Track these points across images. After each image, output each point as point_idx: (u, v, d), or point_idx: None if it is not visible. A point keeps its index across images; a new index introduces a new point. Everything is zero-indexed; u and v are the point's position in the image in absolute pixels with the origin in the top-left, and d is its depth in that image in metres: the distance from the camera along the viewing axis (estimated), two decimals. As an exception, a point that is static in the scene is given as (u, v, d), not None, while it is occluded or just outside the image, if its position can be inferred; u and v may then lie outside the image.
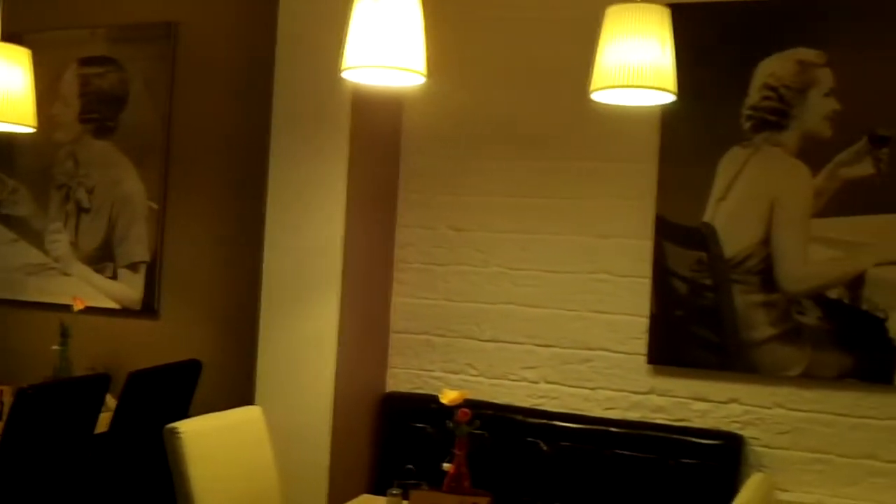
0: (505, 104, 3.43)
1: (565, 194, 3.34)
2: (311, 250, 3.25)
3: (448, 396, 2.49)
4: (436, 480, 2.55)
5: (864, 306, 2.97)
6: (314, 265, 3.24)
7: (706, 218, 3.13)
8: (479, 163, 3.46)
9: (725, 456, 3.01)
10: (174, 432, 2.47)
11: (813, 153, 3.04)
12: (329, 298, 3.21)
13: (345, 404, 3.27)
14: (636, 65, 2.17)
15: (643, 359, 3.20)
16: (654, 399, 3.19)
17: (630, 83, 2.17)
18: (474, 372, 3.45)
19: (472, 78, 3.48)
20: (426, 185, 3.54)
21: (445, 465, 2.46)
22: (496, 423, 3.23)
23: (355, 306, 3.30)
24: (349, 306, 3.26)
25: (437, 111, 3.52)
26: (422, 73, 2.11)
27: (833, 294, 3.00)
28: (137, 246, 4.07)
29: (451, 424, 2.44)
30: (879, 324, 2.95)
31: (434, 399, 2.75)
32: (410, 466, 2.54)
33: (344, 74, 2.13)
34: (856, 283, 2.98)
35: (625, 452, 3.10)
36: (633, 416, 3.21)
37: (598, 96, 2.31)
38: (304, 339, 3.25)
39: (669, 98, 2.27)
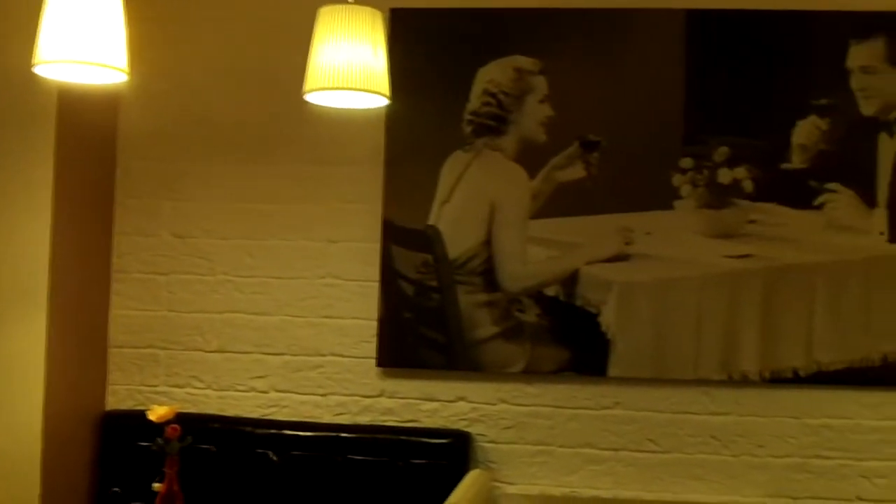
0: (228, 106, 3.33)
1: (292, 199, 3.29)
2: (13, 262, 2.97)
3: (156, 413, 2.38)
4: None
5: (579, 302, 3.14)
6: (17, 278, 2.97)
7: (431, 220, 3.19)
8: (202, 167, 3.33)
9: (454, 454, 3.07)
10: None
11: (530, 157, 3.17)
12: (35, 314, 2.95)
13: (57, 428, 3.02)
14: (347, 67, 2.14)
15: (373, 362, 3.21)
16: (385, 401, 3.21)
17: (340, 85, 2.15)
18: (200, 384, 3.31)
19: (194, 78, 3.35)
20: (146, 189, 3.36)
21: (156, 486, 2.33)
22: (224, 436, 3.14)
23: (67, 321, 3.06)
24: (60, 321, 3.02)
25: (157, 112, 3.36)
26: (123, 71, 1.97)
27: (550, 292, 3.14)
28: None
29: (160, 442, 2.32)
30: (592, 318, 3.13)
31: (157, 415, 2.61)
32: (117, 489, 2.38)
33: (36, 70, 1.95)
34: (570, 280, 3.14)
35: (356, 457, 3.10)
36: (363, 419, 3.21)
37: (311, 98, 2.27)
38: (7, 360, 2.97)
39: (383, 101, 2.27)
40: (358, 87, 2.15)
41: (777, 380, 3.12)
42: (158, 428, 2.45)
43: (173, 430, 2.33)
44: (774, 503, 3.10)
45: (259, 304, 3.29)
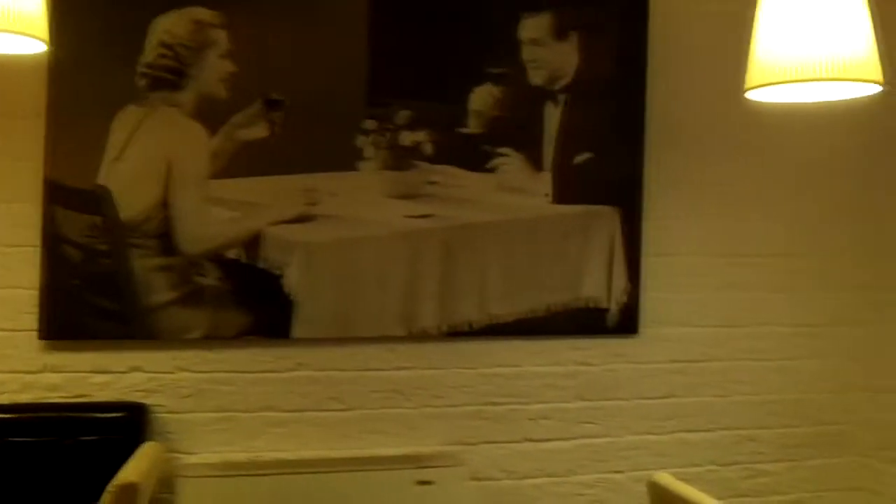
0: None
1: (-66, 153, 2.91)
2: None
3: None
4: None
5: (262, 265, 3.08)
6: None
7: (100, 180, 2.95)
8: None
9: (128, 427, 2.90)
10: None
11: (210, 114, 3.03)
12: None
13: None
14: (-8, 9, 1.90)
15: (35, 335, 2.93)
16: (49, 377, 2.95)
17: (-20, 29, 1.90)
18: None
19: None
20: None
21: None
22: None
23: None
24: None
25: None
26: None
27: (232, 254, 3.05)
28: None
29: None
30: (276, 280, 3.08)
31: None
32: None
33: None
34: (253, 242, 3.07)
35: (17, 439, 2.82)
36: (25, 398, 2.93)
37: (-54, 42, 1.99)
38: None
39: (40, 47, 2.05)
40: (8, 28, 1.92)
41: (455, 333, 3.28)
42: None
43: None
44: (452, 450, 3.26)
45: None
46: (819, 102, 1.98)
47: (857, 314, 3.78)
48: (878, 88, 1.79)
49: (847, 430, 3.78)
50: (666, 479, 2.17)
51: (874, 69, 1.74)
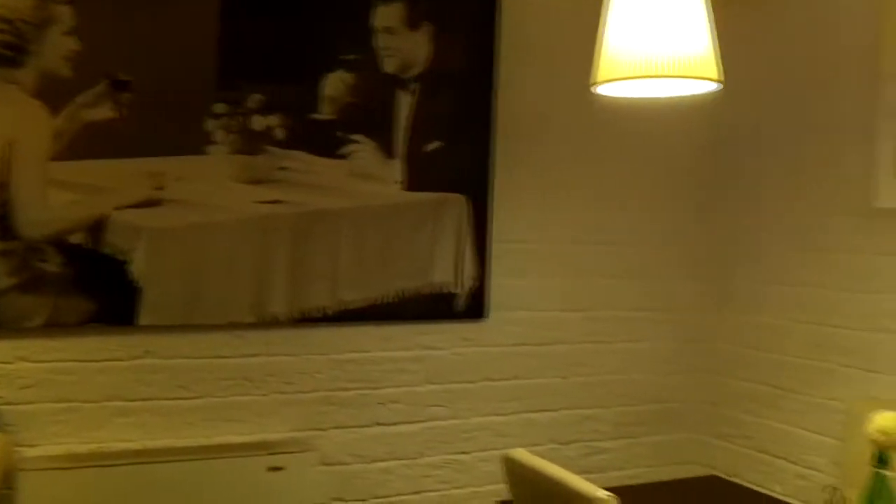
0: None
1: None
2: None
3: None
4: None
5: (107, 250, 2.97)
6: None
7: (-70, 159, 2.78)
8: None
9: (-38, 420, 2.77)
10: None
11: (52, 93, 2.89)
12: None
13: None
14: None
15: None
16: None
17: None
18: None
19: None
20: None
21: None
22: None
23: None
24: None
25: None
26: None
27: (75, 239, 2.93)
28: None
29: None
30: (121, 266, 2.99)
31: None
32: None
33: None
34: (98, 226, 2.96)
35: None
36: None
37: None
38: None
39: None
40: None
41: (306, 319, 3.27)
42: None
43: None
44: (302, 436, 3.26)
45: None
46: (662, 98, 2.11)
47: (694, 301, 4.03)
48: (716, 86, 1.94)
49: (681, 409, 4.04)
50: (520, 454, 2.26)
51: (713, 67, 1.88)
